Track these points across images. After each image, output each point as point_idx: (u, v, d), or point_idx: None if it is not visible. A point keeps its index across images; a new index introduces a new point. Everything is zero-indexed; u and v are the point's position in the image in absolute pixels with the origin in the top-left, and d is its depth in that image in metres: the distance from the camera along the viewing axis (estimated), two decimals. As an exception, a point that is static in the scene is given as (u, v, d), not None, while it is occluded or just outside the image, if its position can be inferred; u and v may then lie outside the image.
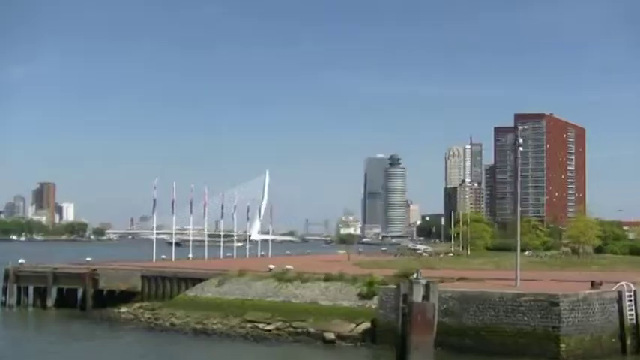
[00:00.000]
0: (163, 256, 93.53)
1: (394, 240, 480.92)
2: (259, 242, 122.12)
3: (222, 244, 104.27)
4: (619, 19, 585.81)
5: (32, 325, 63.13)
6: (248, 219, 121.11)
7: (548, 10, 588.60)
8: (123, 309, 63.18)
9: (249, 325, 53.72)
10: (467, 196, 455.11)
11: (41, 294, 69.53)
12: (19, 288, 70.83)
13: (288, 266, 65.04)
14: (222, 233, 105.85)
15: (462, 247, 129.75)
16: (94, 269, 68.84)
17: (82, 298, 67.24)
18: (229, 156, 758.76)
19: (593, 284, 47.93)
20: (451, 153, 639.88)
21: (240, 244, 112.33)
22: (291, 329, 52.11)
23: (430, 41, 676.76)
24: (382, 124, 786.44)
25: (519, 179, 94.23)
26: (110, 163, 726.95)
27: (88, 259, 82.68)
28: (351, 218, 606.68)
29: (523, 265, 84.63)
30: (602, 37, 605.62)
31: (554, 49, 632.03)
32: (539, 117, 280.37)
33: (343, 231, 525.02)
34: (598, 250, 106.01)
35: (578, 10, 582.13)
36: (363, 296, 54.67)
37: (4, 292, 71.11)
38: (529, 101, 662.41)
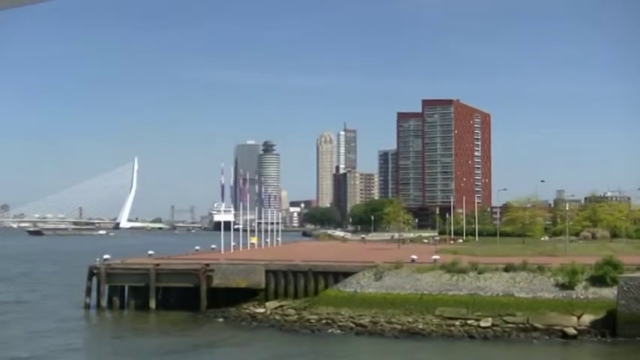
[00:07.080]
0: None
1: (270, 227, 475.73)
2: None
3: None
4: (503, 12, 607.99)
5: (172, 333, 53.87)
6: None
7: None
8: (259, 309, 56.12)
9: (457, 322, 48.82)
10: (357, 182, 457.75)
11: (140, 294, 60.98)
12: (110, 288, 61.87)
13: (413, 256, 60.77)
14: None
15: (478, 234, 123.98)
16: (207, 264, 61.04)
17: (196, 298, 59.12)
18: (94, 143, 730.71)
19: None
20: (323, 139, 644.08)
21: (103, 232, 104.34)
22: (512, 325, 47.77)
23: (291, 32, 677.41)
24: (252, 111, 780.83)
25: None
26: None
27: None
28: (223, 204, 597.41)
29: (623, 250, 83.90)
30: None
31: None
32: (447, 103, 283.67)
33: (216, 218, 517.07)
34: (613, 235, 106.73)
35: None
36: (564, 286, 51.08)
37: (89, 294, 61.99)
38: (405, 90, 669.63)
